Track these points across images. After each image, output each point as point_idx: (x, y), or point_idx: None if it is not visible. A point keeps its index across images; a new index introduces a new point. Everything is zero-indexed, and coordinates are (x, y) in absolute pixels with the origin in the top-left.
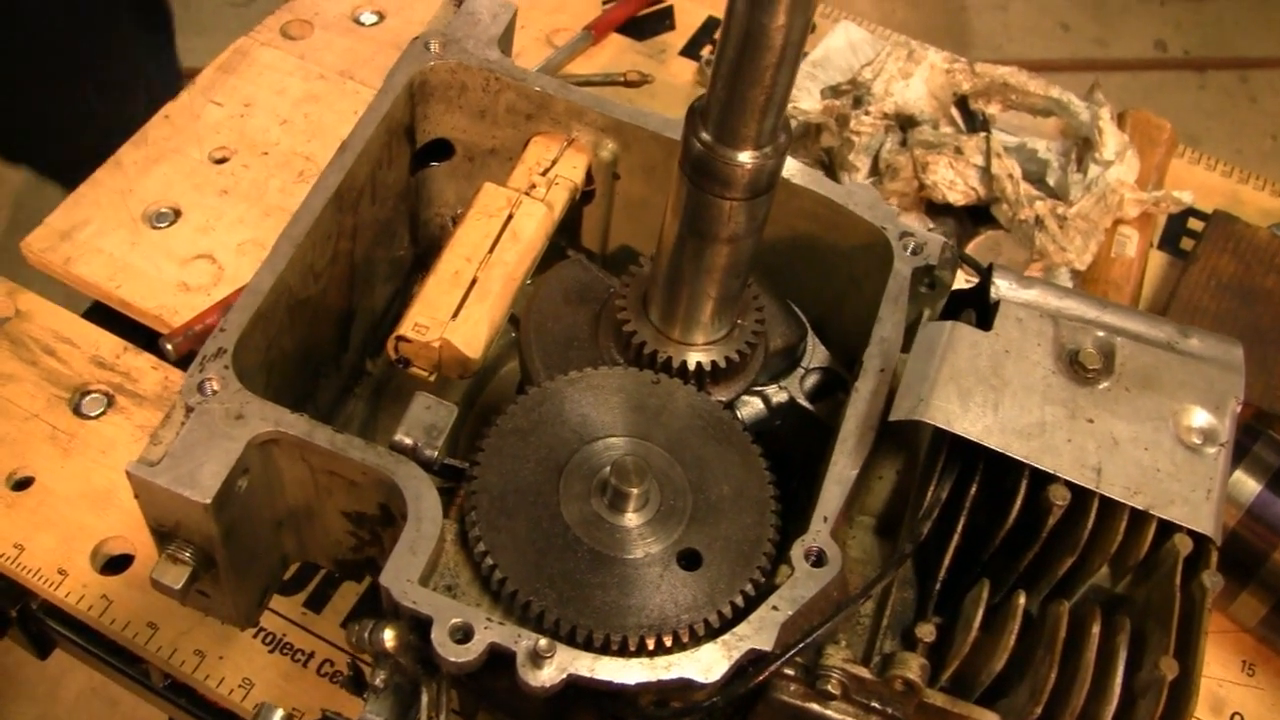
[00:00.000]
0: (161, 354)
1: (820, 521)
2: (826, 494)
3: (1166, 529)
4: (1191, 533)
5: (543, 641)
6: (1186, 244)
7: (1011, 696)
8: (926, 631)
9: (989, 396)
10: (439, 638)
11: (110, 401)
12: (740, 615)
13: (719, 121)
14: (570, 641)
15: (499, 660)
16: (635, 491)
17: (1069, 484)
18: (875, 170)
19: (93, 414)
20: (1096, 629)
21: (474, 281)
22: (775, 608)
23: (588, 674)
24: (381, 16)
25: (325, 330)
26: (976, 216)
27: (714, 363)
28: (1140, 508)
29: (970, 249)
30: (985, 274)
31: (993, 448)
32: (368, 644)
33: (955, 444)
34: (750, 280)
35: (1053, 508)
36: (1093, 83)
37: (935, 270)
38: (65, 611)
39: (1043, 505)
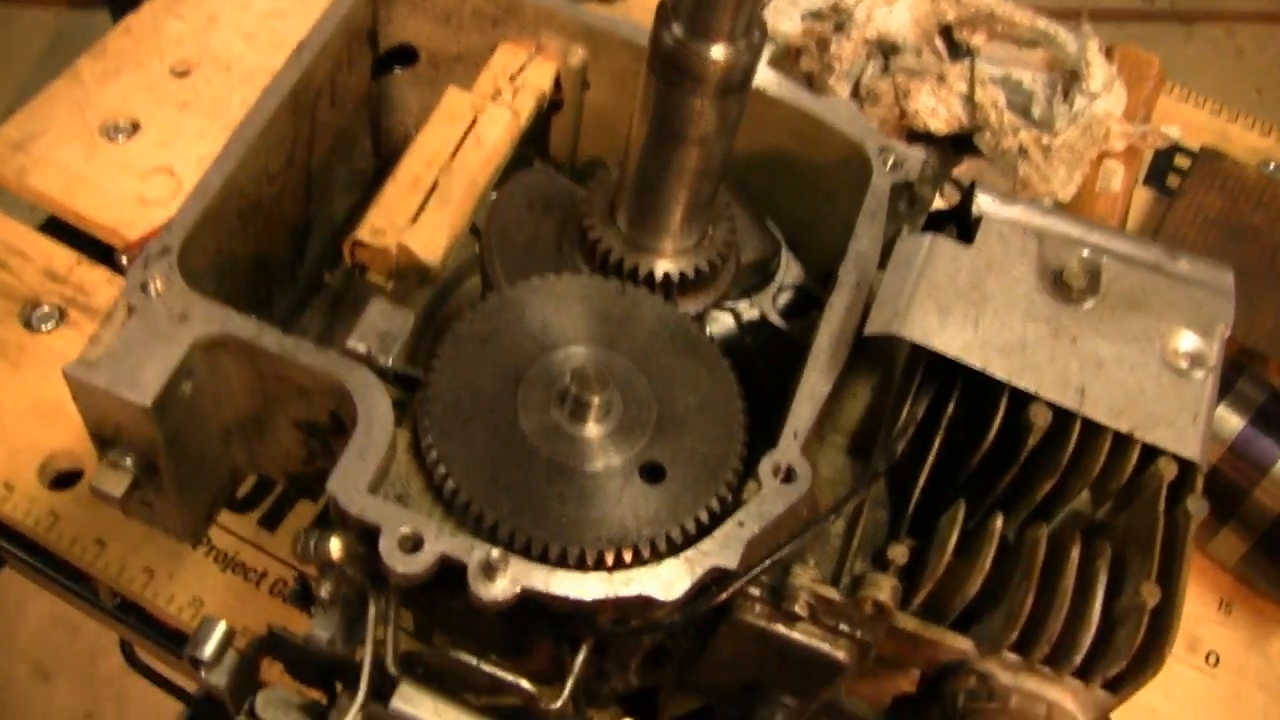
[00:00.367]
0: (117, 268)
1: (790, 437)
2: (798, 410)
3: (1150, 453)
4: (1176, 458)
5: (495, 552)
6: (1173, 181)
7: (986, 622)
8: (899, 553)
9: (969, 312)
10: (387, 547)
11: (63, 316)
12: (704, 531)
13: (690, 14)
14: (525, 555)
15: (450, 574)
16: (596, 400)
17: (1050, 404)
18: (856, 96)
19: (44, 328)
20: (1076, 553)
21: (434, 186)
22: (741, 524)
23: (542, 588)
24: None
25: (280, 238)
26: (959, 145)
27: (682, 272)
28: (1124, 430)
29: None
30: (967, 191)
31: (972, 364)
32: (313, 554)
33: (932, 361)
34: (722, 191)
35: (1033, 428)
36: (1081, 14)
37: (915, 186)
38: (12, 528)
39: (1023, 426)
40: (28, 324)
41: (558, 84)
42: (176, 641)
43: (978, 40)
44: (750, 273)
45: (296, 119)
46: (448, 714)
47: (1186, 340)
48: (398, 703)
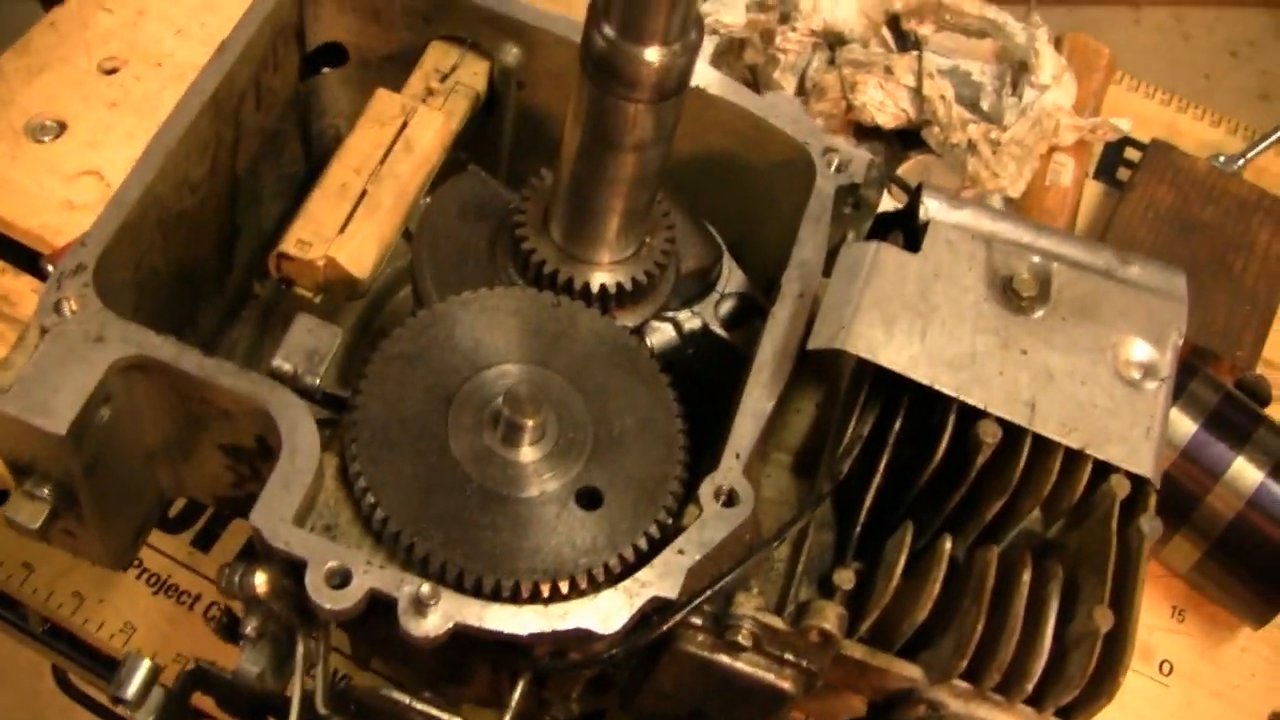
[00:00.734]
0: (43, 276)
1: (732, 458)
2: (739, 428)
3: (1103, 469)
4: (1129, 474)
5: (426, 587)
6: (1123, 174)
7: (935, 648)
8: (845, 578)
9: (916, 324)
10: (314, 582)
11: None
12: (643, 559)
13: (623, 14)
14: (458, 587)
15: (381, 607)
16: (530, 423)
17: (1000, 420)
18: (801, 90)
19: None
20: (1027, 576)
21: (363, 195)
22: (681, 551)
23: (476, 623)
24: None
25: (205, 249)
26: (906, 140)
27: (619, 284)
28: (1075, 446)
29: (899, 174)
30: (914, 194)
31: (919, 379)
32: (238, 589)
33: (879, 375)
34: (661, 196)
35: (982, 445)
36: (1030, 4)
37: (860, 189)
38: None
39: (972, 443)
40: None
41: (491, 84)
42: (109, 668)
43: (925, 30)
44: (691, 281)
45: (219, 123)
46: None
47: (1139, 350)
48: None
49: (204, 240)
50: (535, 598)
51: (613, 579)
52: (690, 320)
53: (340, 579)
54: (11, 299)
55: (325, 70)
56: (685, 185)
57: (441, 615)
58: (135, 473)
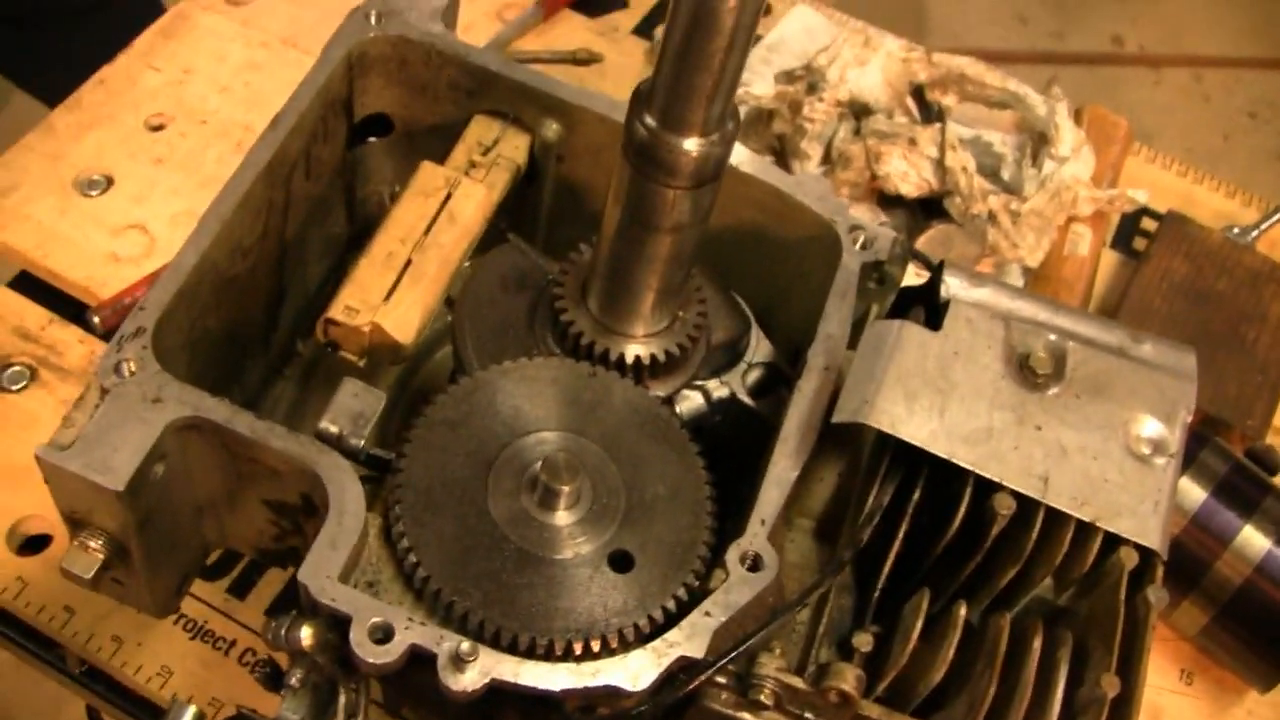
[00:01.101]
0: (89, 327)
1: (757, 525)
2: (765, 496)
3: (1112, 541)
4: (1138, 546)
5: (465, 644)
6: (1139, 244)
7: (949, 709)
8: (864, 641)
9: (936, 400)
10: (358, 638)
11: (33, 375)
12: (672, 620)
13: (664, 106)
14: (494, 644)
15: (420, 661)
16: (566, 489)
17: (1015, 493)
18: (827, 159)
19: (14, 387)
20: (1038, 642)
21: (408, 264)
22: (708, 613)
23: (511, 679)
24: None
25: (253, 310)
26: (929, 209)
27: (653, 356)
28: (1087, 519)
29: (921, 242)
30: (936, 271)
31: (938, 453)
32: (284, 642)
33: (899, 448)
34: (694, 271)
35: (997, 517)
36: (1050, 78)
37: (884, 265)
38: None
39: (987, 514)
40: None
41: (532, 157)
42: (144, 709)
43: (949, 101)
44: (720, 352)
45: (271, 192)
46: None
47: (1149, 427)
48: None
49: (253, 302)
50: (568, 655)
51: (642, 639)
52: (719, 389)
53: (383, 634)
54: (58, 349)
55: (371, 139)
56: (715, 257)
57: (479, 671)
58: (183, 525)
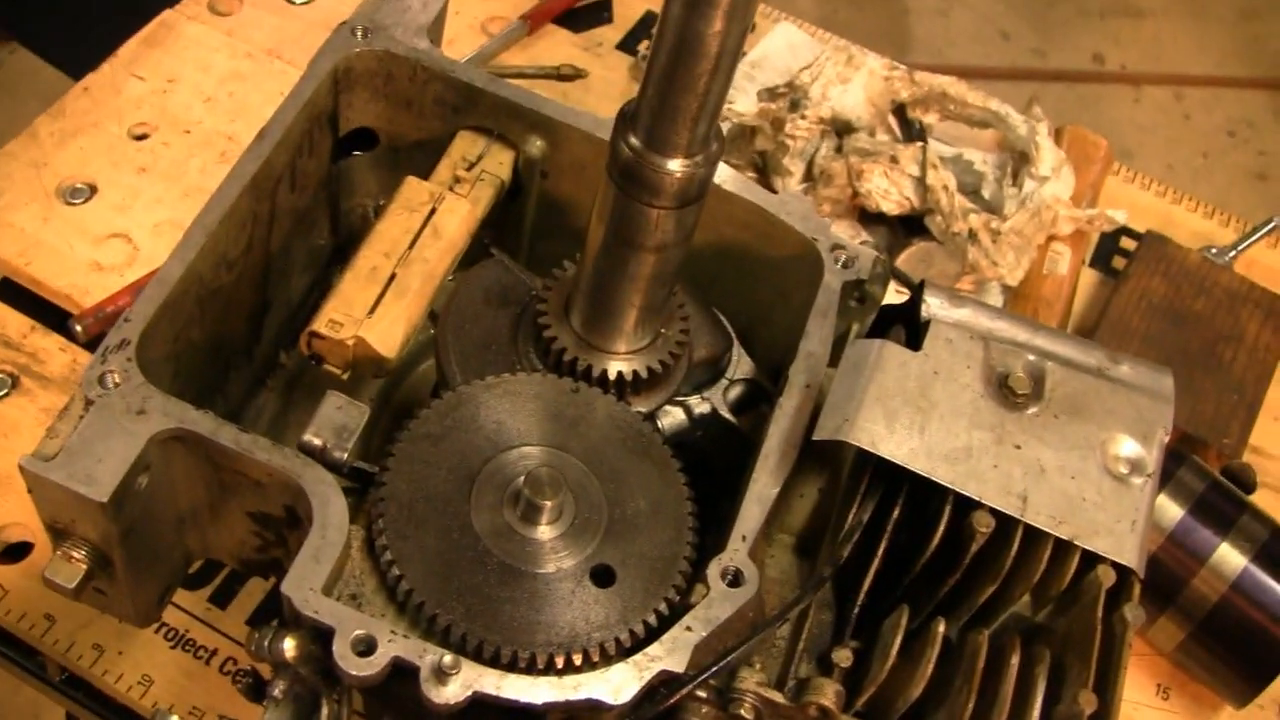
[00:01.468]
0: (71, 335)
1: (738, 540)
2: (746, 512)
3: (1090, 559)
4: (1115, 564)
5: (447, 657)
6: (1118, 263)
7: None
8: (843, 656)
9: (916, 419)
10: (340, 650)
11: (14, 383)
12: (653, 635)
13: (649, 127)
14: (477, 657)
15: (403, 673)
16: (549, 504)
17: (993, 511)
18: (809, 176)
19: None
20: (1016, 659)
21: (392, 278)
22: (689, 628)
23: (493, 692)
24: None
25: (237, 321)
26: (910, 226)
27: (635, 373)
28: (1065, 537)
29: (902, 260)
30: (917, 291)
31: (917, 471)
32: (267, 653)
33: (879, 465)
34: (676, 289)
35: (976, 534)
36: (1030, 98)
37: (865, 285)
38: None
39: (966, 532)
40: None
41: (516, 172)
42: (125, 718)
43: (930, 119)
44: (702, 368)
45: (257, 204)
46: None
47: (1127, 447)
48: None
49: (237, 314)
50: (550, 669)
51: (624, 653)
52: (700, 405)
53: (366, 647)
54: (40, 357)
55: (356, 153)
56: (698, 275)
57: (461, 684)
58: (166, 536)
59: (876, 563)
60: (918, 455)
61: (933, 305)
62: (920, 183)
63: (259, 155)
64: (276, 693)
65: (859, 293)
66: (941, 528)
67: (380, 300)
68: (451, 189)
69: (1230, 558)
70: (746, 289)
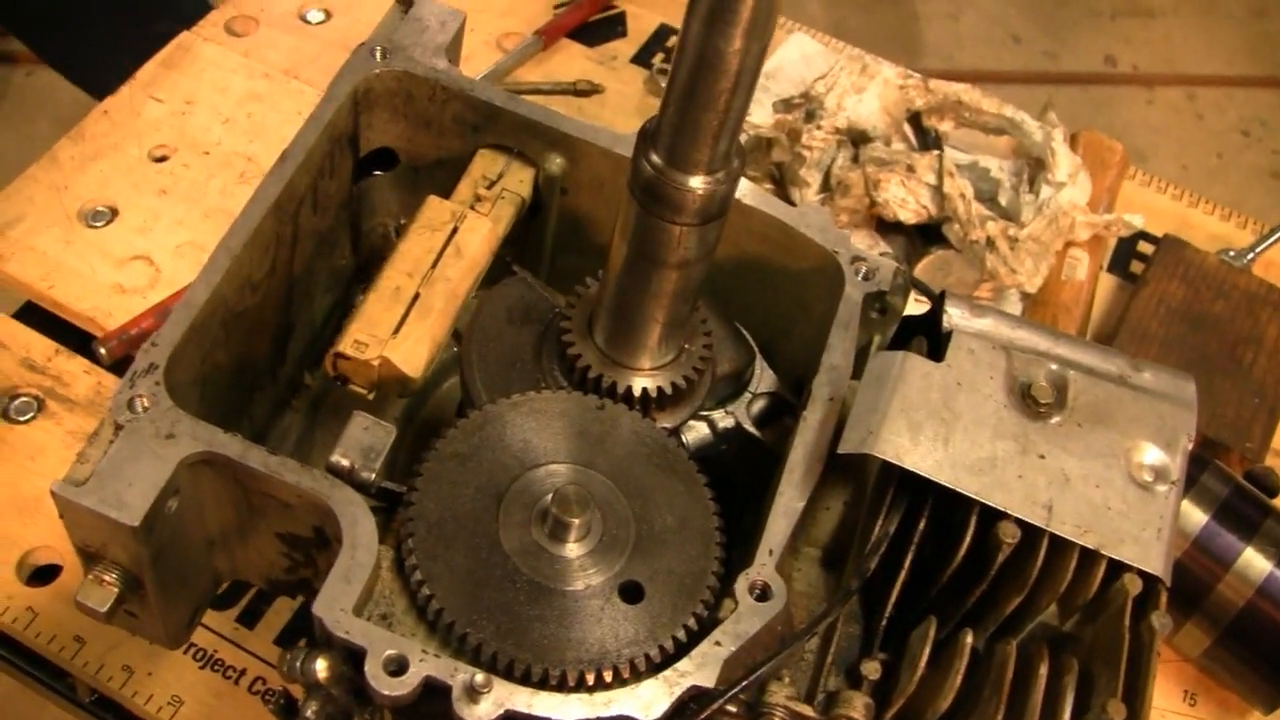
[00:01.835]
0: (94, 358)
1: (766, 555)
2: (773, 526)
3: (1116, 568)
4: (1141, 573)
5: (479, 676)
6: (1136, 267)
7: None
8: (872, 669)
9: (940, 430)
10: (372, 670)
11: (40, 406)
12: (682, 650)
13: (670, 145)
14: (508, 675)
15: (434, 692)
16: (577, 522)
17: (1019, 521)
18: (826, 186)
19: (22, 418)
20: (1044, 669)
21: (415, 298)
22: (718, 643)
23: (525, 710)
24: (328, 15)
25: (261, 343)
26: (927, 235)
27: (660, 389)
28: (1090, 546)
29: (920, 268)
30: (938, 302)
31: (943, 483)
32: (299, 674)
33: (904, 478)
34: (699, 304)
35: (1002, 545)
36: (1046, 103)
37: (887, 296)
38: None
39: (992, 542)
40: (5, 415)
41: (536, 190)
42: None
43: (945, 127)
44: (725, 382)
45: (280, 227)
46: None
47: (1150, 454)
48: None
49: (261, 336)
50: (580, 686)
51: (653, 668)
52: (724, 419)
53: (398, 666)
54: (65, 380)
55: (376, 173)
56: (719, 288)
57: (493, 702)
58: (196, 558)
59: (903, 574)
60: (943, 467)
61: (954, 316)
62: (937, 191)
63: (282, 178)
64: (309, 713)
65: (880, 304)
66: (968, 539)
67: (404, 320)
68: (473, 208)
69: (1255, 562)
70: (767, 302)
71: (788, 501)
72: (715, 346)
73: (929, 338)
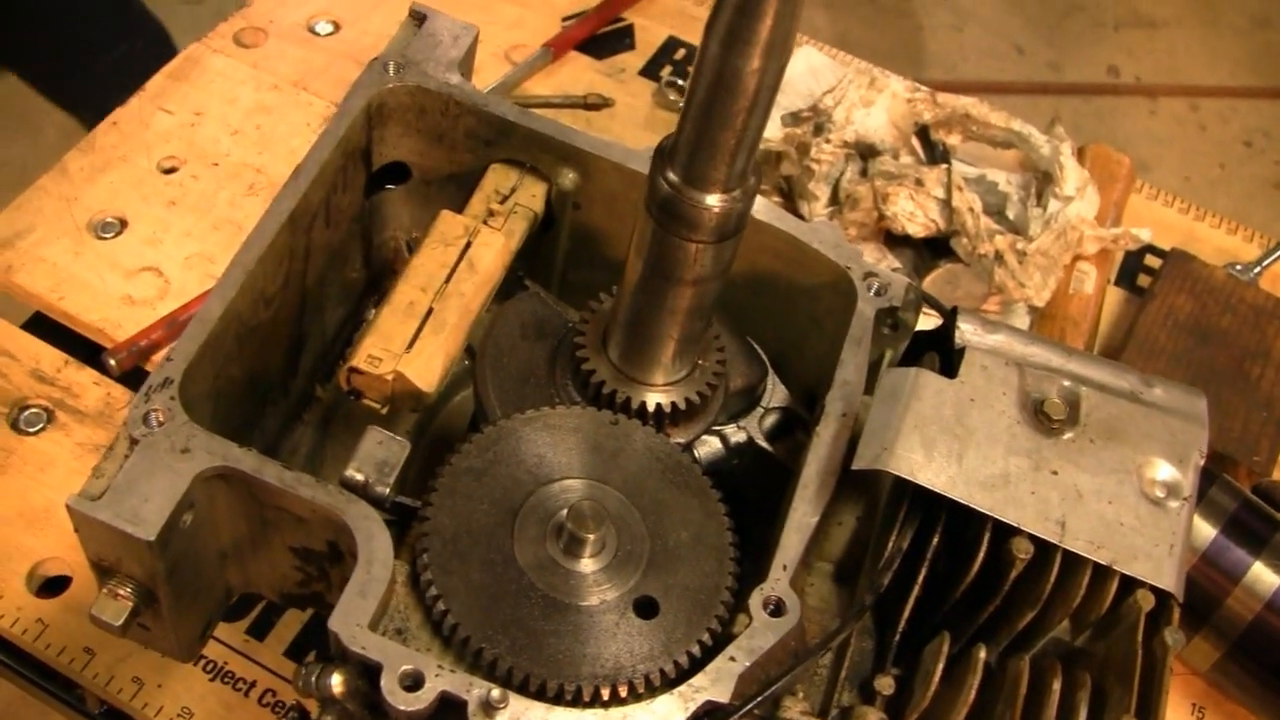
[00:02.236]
0: (104, 369)
1: (779, 570)
2: (786, 542)
3: (1128, 584)
4: (1154, 589)
5: (495, 691)
6: (1143, 280)
7: None
8: (885, 684)
9: (953, 446)
10: (388, 685)
11: (50, 417)
12: (697, 665)
13: (687, 163)
14: (523, 690)
15: (451, 707)
16: (592, 537)
17: (1032, 537)
18: (835, 200)
19: (31, 430)
20: (1058, 685)
21: (429, 312)
22: (733, 658)
23: None
24: (337, 27)
25: (274, 357)
26: (935, 248)
27: (674, 404)
28: (1103, 562)
29: (928, 282)
30: (949, 318)
31: (956, 499)
32: (314, 689)
33: (918, 493)
34: (712, 319)
35: (1015, 561)
36: (1053, 117)
37: (899, 312)
38: None
39: (1005, 558)
40: (15, 426)
41: (549, 204)
42: None
43: (953, 140)
44: (738, 397)
45: (293, 241)
46: None
47: (1163, 470)
48: None
49: (274, 349)
50: (595, 701)
51: (668, 684)
52: (736, 434)
53: (413, 681)
54: (75, 391)
55: (389, 187)
56: (732, 303)
57: (509, 717)
58: (209, 571)
59: (917, 590)
60: (956, 483)
61: (966, 332)
62: (945, 205)
63: (296, 192)
64: None
65: (892, 320)
66: (981, 554)
67: (418, 335)
68: (485, 222)
69: (1264, 576)
70: (779, 317)
71: (801, 517)
72: (728, 362)
73: (941, 353)
